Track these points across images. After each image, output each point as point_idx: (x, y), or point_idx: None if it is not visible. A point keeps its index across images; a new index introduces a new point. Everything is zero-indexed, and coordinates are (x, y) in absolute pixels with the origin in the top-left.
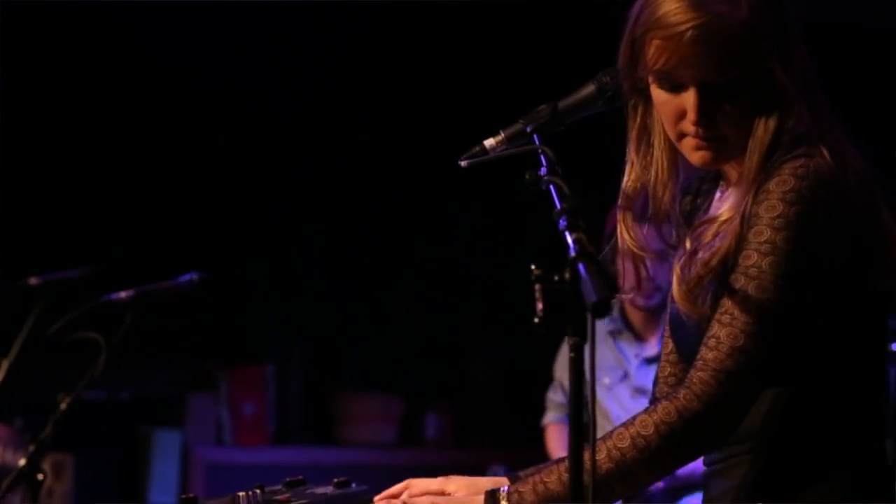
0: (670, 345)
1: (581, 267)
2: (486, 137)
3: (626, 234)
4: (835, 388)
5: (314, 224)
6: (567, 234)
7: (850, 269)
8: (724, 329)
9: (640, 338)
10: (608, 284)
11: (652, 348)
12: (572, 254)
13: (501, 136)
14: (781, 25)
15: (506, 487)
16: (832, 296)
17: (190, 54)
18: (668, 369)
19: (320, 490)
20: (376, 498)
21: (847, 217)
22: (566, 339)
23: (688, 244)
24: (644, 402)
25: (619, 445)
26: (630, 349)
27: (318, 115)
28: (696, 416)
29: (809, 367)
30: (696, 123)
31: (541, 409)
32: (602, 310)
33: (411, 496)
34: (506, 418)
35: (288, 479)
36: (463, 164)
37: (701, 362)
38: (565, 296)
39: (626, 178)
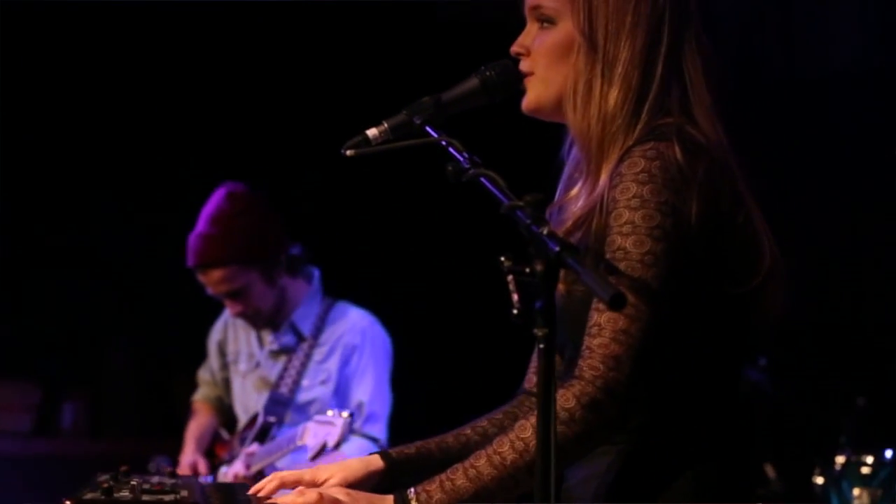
0: None
1: (572, 262)
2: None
3: None
4: (696, 380)
5: None
6: (534, 228)
7: (706, 258)
8: (603, 315)
9: (273, 327)
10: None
11: (274, 342)
12: (554, 248)
13: (385, 127)
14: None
15: (413, 489)
16: (692, 282)
17: None
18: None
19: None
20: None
21: (699, 207)
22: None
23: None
24: (265, 394)
25: (521, 437)
26: (266, 339)
27: None
28: (593, 401)
29: (675, 357)
30: (513, 47)
31: (178, 398)
32: (621, 301)
33: (285, 485)
34: (142, 408)
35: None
36: (348, 153)
37: (588, 351)
38: (537, 288)
39: None
